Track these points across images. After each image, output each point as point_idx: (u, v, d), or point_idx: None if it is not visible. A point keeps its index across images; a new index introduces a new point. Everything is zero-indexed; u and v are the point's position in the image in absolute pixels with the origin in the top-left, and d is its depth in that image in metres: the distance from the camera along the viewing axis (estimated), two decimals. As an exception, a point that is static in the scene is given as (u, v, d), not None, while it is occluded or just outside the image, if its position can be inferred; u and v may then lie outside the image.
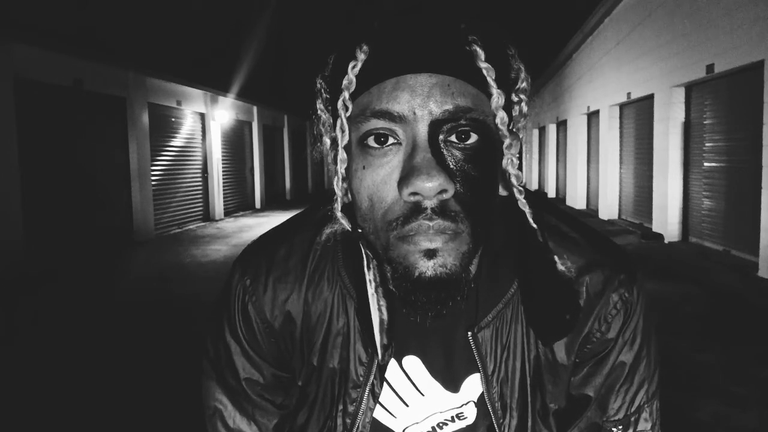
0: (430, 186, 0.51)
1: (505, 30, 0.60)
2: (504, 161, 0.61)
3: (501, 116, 0.57)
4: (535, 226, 0.64)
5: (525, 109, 0.64)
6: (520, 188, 0.63)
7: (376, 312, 0.63)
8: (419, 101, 0.54)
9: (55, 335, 4.53)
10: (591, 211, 13.30)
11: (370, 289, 0.63)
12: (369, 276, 0.63)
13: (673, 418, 2.85)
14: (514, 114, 0.64)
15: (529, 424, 0.70)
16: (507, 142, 0.60)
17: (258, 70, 15.26)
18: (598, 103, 12.15)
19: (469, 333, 0.67)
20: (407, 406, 0.73)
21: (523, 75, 0.62)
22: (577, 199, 14.34)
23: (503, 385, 0.69)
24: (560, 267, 0.65)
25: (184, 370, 3.46)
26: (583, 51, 13.46)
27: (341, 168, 0.61)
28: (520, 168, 0.64)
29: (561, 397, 0.71)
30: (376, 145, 0.56)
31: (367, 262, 0.63)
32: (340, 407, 0.70)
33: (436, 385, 0.71)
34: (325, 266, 0.70)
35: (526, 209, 0.64)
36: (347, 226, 0.65)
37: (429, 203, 0.53)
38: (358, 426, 0.70)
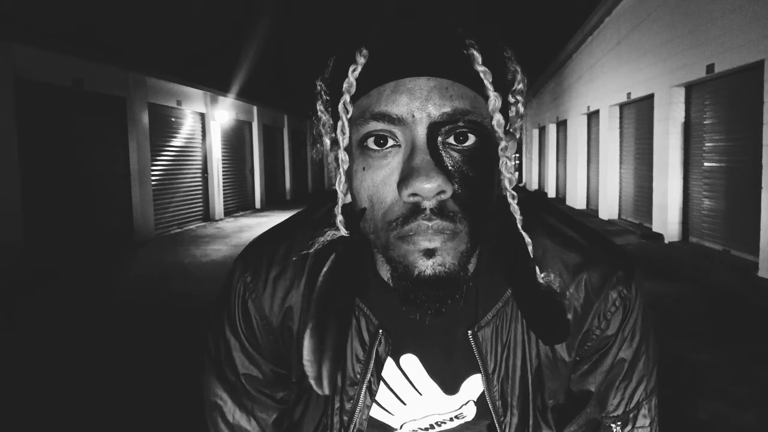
0: (429, 187, 0.52)
1: (502, 32, 0.61)
2: (499, 163, 0.62)
3: (497, 119, 0.58)
4: (523, 233, 0.65)
5: (522, 110, 0.65)
6: (513, 192, 0.64)
7: (350, 344, 0.65)
8: (418, 104, 0.54)
9: (55, 335, 4.54)
10: (591, 211, 13.31)
11: (358, 319, 0.64)
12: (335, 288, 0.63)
13: (673, 418, 2.86)
14: (510, 115, 0.64)
15: (530, 421, 0.70)
16: (503, 144, 0.61)
17: (258, 70, 15.26)
18: (598, 103, 12.16)
19: (469, 332, 0.68)
20: (405, 404, 0.73)
21: (519, 77, 0.63)
22: (577, 199, 14.34)
23: (504, 384, 0.69)
24: (540, 279, 0.65)
25: (184, 370, 3.47)
26: (583, 51, 13.47)
27: (342, 169, 0.61)
28: (519, 168, 0.65)
29: (560, 393, 0.72)
30: (375, 147, 0.57)
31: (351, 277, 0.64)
32: (337, 404, 0.71)
33: (434, 387, 0.72)
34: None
35: (517, 215, 0.64)
36: (343, 231, 0.65)
37: (428, 204, 0.54)
38: (355, 423, 0.71)
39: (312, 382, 0.62)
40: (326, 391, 0.62)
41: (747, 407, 3.00)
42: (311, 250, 0.69)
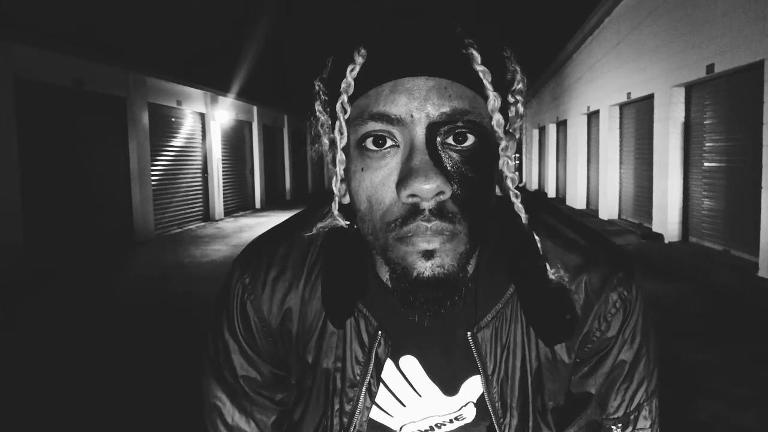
0: (428, 188, 0.52)
1: (501, 32, 0.60)
2: (500, 163, 0.62)
3: (497, 119, 0.58)
4: (530, 230, 0.64)
5: (521, 110, 0.64)
6: (516, 191, 0.63)
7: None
8: (417, 104, 0.54)
9: (55, 335, 4.54)
10: (591, 211, 13.30)
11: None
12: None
13: (673, 418, 2.85)
14: (510, 115, 0.64)
15: (530, 423, 0.70)
16: (503, 144, 0.60)
17: (258, 70, 15.26)
18: (598, 103, 12.15)
19: (469, 333, 0.67)
20: (404, 406, 0.73)
21: (519, 76, 0.62)
22: (577, 199, 14.34)
23: (503, 385, 0.69)
24: (551, 275, 0.65)
25: (184, 370, 3.47)
26: (583, 51, 13.46)
27: (340, 169, 0.61)
28: (519, 168, 0.65)
29: (560, 395, 0.72)
30: (374, 148, 0.56)
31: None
32: (337, 406, 0.71)
33: (433, 388, 0.71)
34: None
35: (522, 213, 0.64)
36: (342, 222, 0.65)
37: (427, 205, 0.53)
38: (355, 425, 0.71)
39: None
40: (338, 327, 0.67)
41: (747, 407, 3.00)
42: (312, 231, 0.69)
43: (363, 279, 0.68)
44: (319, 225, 0.68)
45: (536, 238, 0.65)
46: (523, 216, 0.64)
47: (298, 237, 0.72)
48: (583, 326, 0.68)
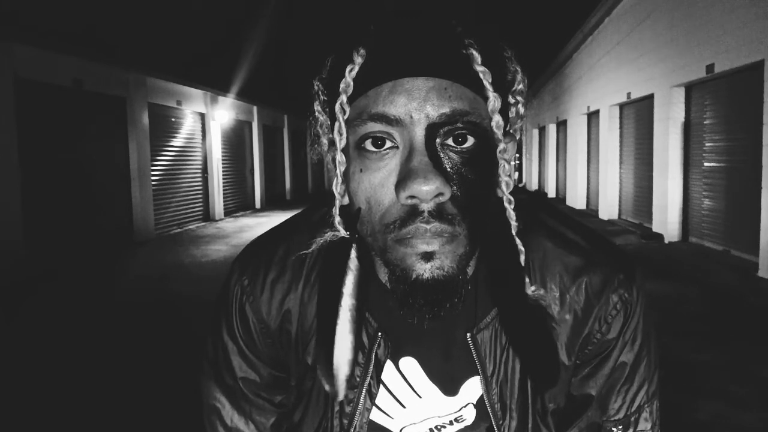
0: (427, 189, 0.51)
1: (502, 32, 0.60)
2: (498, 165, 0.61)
3: (497, 120, 0.57)
4: (517, 240, 0.64)
5: (522, 110, 0.64)
6: (510, 197, 0.62)
7: (347, 347, 0.56)
8: (416, 105, 0.53)
9: (56, 335, 4.53)
10: (591, 211, 13.30)
11: (343, 314, 0.56)
12: (346, 293, 0.57)
13: (673, 418, 2.85)
14: (510, 116, 0.64)
15: (530, 424, 0.70)
16: (501, 146, 0.59)
17: (258, 70, 15.26)
18: (598, 103, 12.15)
19: (468, 334, 0.67)
20: (404, 407, 0.73)
21: (519, 77, 0.62)
22: (577, 199, 14.34)
23: (503, 387, 0.69)
24: (530, 291, 0.64)
25: (184, 370, 3.46)
26: (583, 51, 13.46)
27: (339, 170, 0.61)
28: (519, 169, 0.64)
29: (560, 396, 0.71)
30: (373, 149, 0.56)
31: (353, 275, 0.58)
32: (336, 408, 0.71)
33: (433, 389, 0.71)
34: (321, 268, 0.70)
35: (512, 221, 0.63)
36: (343, 232, 0.64)
37: (426, 206, 0.53)
38: (355, 426, 0.71)
39: (326, 387, 0.58)
40: (340, 396, 0.58)
41: (747, 407, 3.00)
42: (310, 250, 0.69)
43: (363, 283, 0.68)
44: (320, 240, 0.68)
45: (521, 248, 0.64)
46: (513, 224, 0.63)
47: (297, 238, 0.72)
48: (584, 328, 0.68)
